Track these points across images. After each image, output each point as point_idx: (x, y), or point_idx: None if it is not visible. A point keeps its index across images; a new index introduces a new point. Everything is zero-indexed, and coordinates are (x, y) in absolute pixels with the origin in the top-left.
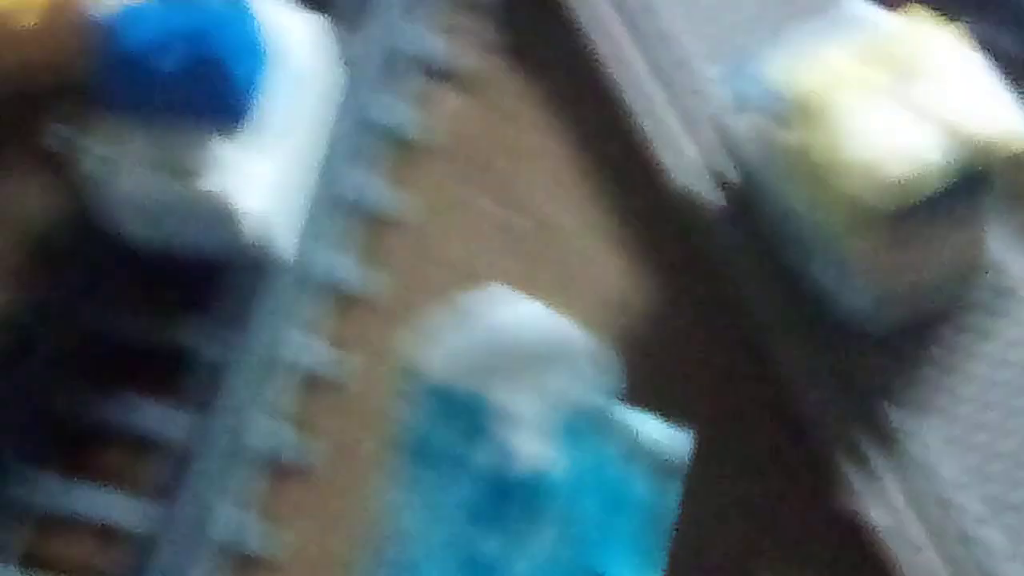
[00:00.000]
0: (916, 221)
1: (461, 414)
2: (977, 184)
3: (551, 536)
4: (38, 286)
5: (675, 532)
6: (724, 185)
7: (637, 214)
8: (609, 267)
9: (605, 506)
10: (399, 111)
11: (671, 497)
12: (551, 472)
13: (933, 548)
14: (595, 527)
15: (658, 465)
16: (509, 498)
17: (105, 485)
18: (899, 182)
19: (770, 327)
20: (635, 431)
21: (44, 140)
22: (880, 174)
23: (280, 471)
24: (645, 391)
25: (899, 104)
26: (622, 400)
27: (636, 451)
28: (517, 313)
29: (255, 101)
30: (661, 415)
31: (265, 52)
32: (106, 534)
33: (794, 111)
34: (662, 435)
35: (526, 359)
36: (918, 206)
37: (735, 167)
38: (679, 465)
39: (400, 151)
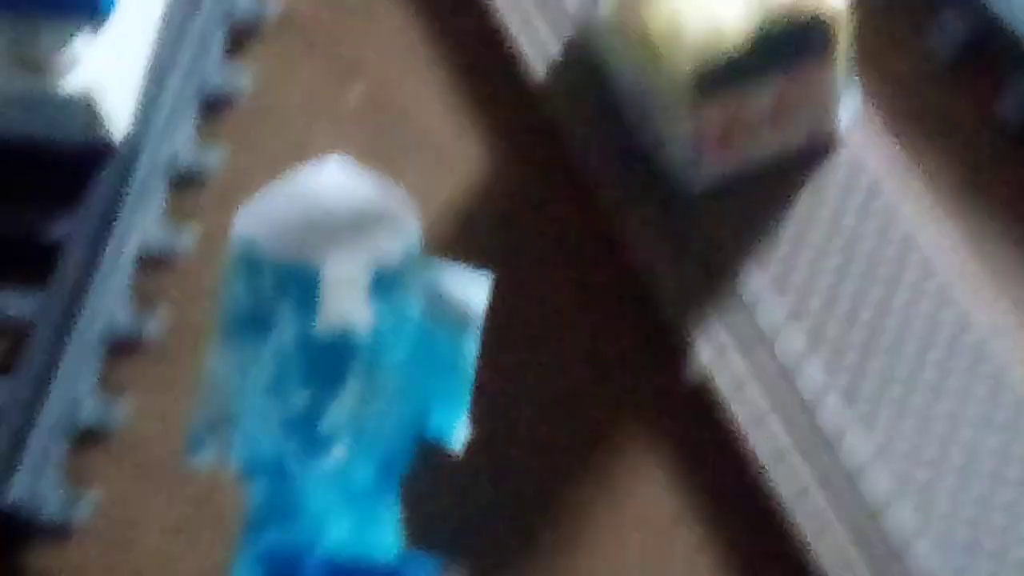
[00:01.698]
0: (722, 80)
1: (272, 276)
2: (785, 44)
3: (360, 387)
4: None
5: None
6: (569, 59)
7: (481, 84)
8: (449, 134)
9: (413, 359)
10: None
11: (470, 344)
12: (358, 328)
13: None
14: (403, 380)
15: (458, 314)
16: (317, 355)
17: None
18: (700, 43)
19: (607, 190)
20: (435, 282)
21: None
22: (681, 40)
23: (118, 346)
24: (474, 248)
25: None
26: (435, 255)
27: (438, 301)
28: (325, 179)
29: None
30: (479, 268)
31: None
32: None
33: None
34: (464, 283)
35: (335, 222)
36: (721, 66)
37: (578, 41)
38: (477, 312)
39: (238, 30)
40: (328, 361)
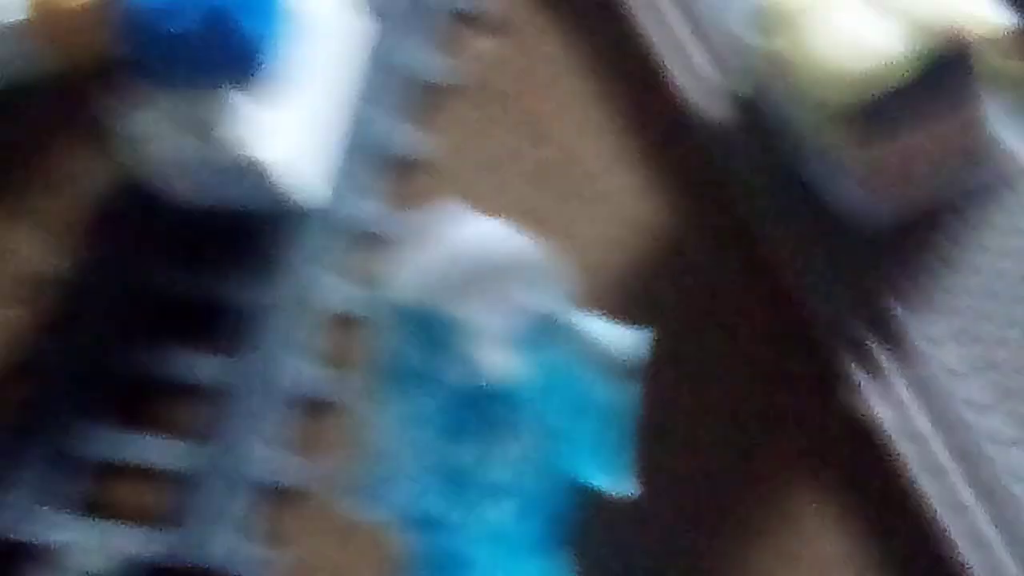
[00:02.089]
0: (889, 114)
1: (427, 332)
2: (951, 72)
3: (520, 443)
4: (89, 248)
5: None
6: (736, 100)
7: (654, 135)
8: (626, 189)
9: (569, 411)
10: (426, 55)
11: (630, 398)
12: (515, 381)
13: (939, 438)
14: (561, 431)
15: (617, 367)
16: (478, 409)
17: (155, 432)
18: (861, 77)
19: (770, 228)
20: (594, 336)
21: (92, 112)
22: (842, 70)
23: (310, 406)
24: (640, 298)
25: (865, 3)
26: (594, 309)
27: (595, 355)
28: (474, 231)
29: (272, 54)
30: (635, 323)
31: (277, 3)
32: (156, 478)
33: (773, 19)
34: (621, 338)
35: (485, 274)
36: (886, 99)
37: (743, 81)
38: (636, 366)
39: (428, 95)
40: (486, 413)
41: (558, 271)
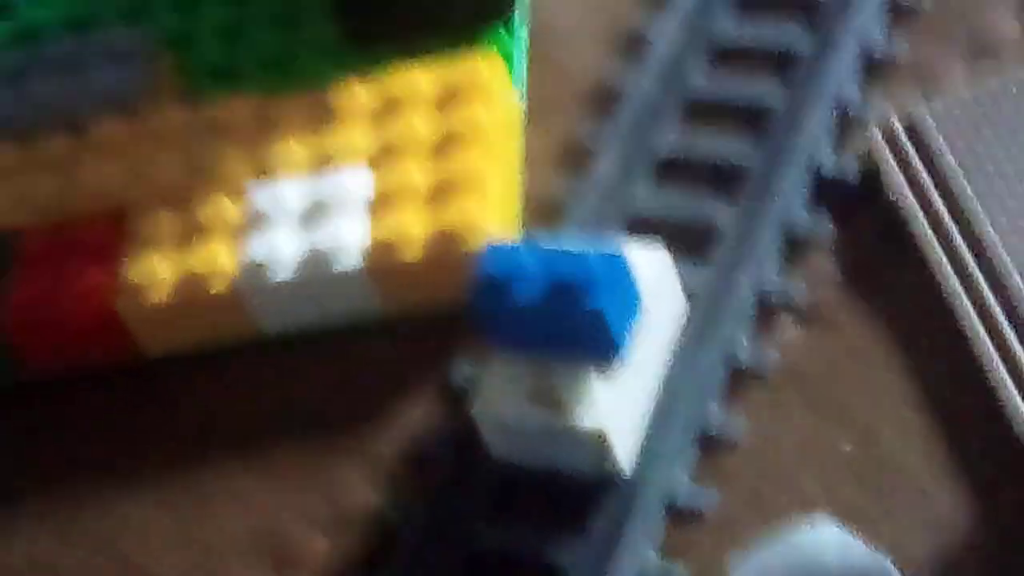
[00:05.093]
0: None
1: None
2: None
3: None
4: (411, 491)
5: None
6: None
7: (974, 453)
8: (930, 483)
9: None
10: (738, 340)
11: None
12: None
13: None
14: None
15: None
16: None
17: None
18: None
19: None
20: None
21: (444, 371)
22: None
23: None
24: None
25: None
26: None
27: None
28: (820, 540)
29: (628, 346)
30: None
31: (639, 303)
32: None
33: None
34: None
35: None
36: None
37: None
38: None
39: (737, 378)
40: None
41: None
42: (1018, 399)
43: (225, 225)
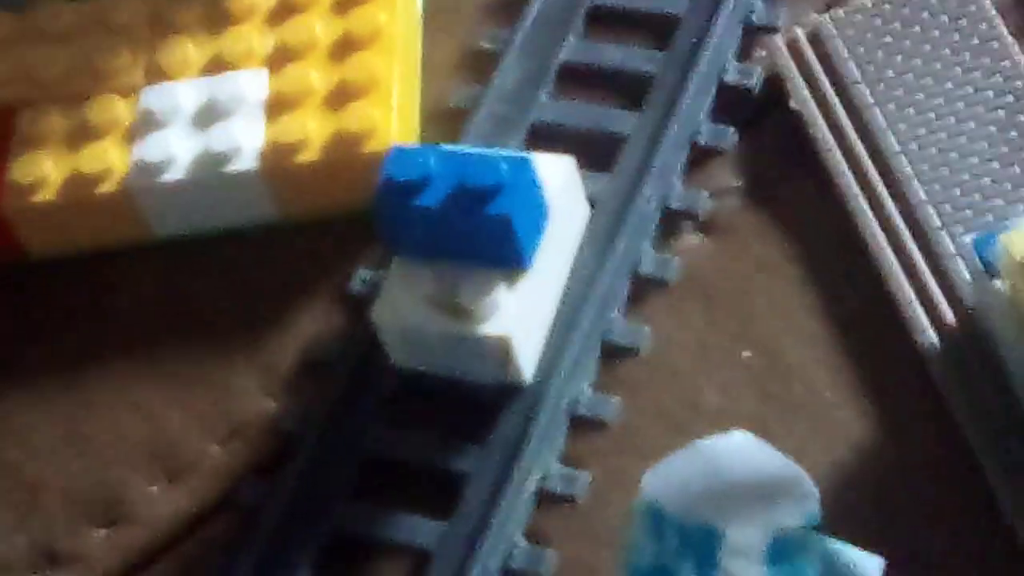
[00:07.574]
0: None
1: (676, 538)
2: None
3: None
4: (306, 398)
5: None
6: (963, 332)
7: (875, 362)
8: (831, 400)
9: None
10: (641, 249)
11: None
12: None
13: None
14: None
15: None
16: None
17: None
18: None
19: (992, 465)
20: (831, 556)
21: (342, 276)
22: None
23: None
24: (859, 523)
25: None
26: (824, 528)
27: (834, 571)
28: (732, 449)
29: (534, 252)
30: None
31: (546, 209)
32: None
33: (1009, 263)
34: (860, 559)
35: (741, 490)
36: None
37: (980, 326)
38: None
39: (640, 287)
40: None
41: (813, 490)
42: (918, 307)
43: (116, 125)
